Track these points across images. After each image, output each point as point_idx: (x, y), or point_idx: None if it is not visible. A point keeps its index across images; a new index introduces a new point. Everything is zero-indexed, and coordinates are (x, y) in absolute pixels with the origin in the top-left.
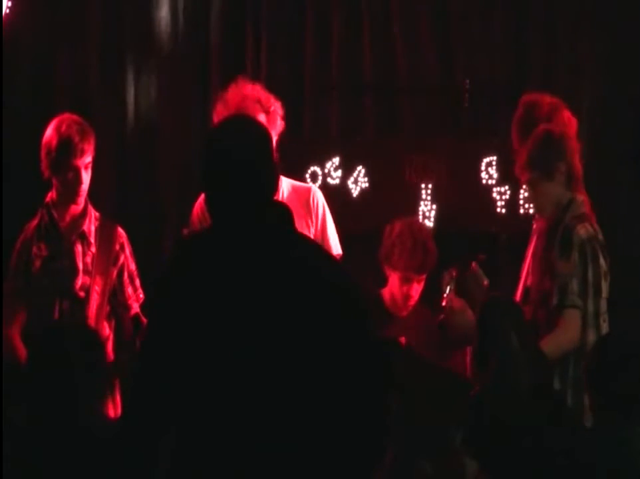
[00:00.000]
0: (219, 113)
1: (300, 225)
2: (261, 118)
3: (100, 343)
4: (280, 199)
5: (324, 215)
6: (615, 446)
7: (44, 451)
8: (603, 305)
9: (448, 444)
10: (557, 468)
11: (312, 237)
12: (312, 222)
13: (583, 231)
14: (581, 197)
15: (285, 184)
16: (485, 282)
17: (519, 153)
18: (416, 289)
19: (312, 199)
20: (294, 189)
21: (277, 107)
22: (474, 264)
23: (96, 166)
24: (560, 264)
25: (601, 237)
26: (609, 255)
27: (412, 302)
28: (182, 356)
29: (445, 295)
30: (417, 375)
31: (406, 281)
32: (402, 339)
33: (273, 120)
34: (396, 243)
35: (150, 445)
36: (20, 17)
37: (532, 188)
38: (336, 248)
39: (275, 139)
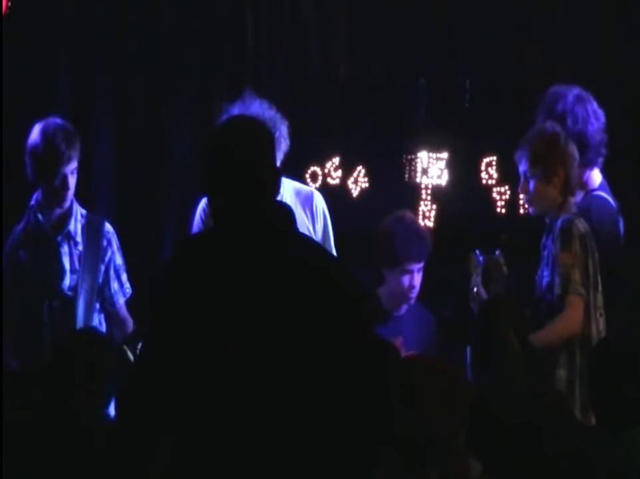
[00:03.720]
0: None
1: (301, 228)
2: None
3: (100, 343)
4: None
5: (325, 219)
6: (615, 446)
7: (45, 452)
8: (600, 298)
9: (451, 445)
10: (557, 468)
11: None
12: (312, 226)
13: (581, 225)
14: (574, 199)
15: (287, 185)
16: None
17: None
18: (418, 279)
19: (314, 203)
20: (296, 191)
21: (282, 129)
22: (497, 253)
23: (96, 167)
24: (562, 255)
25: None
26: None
27: (415, 294)
28: (183, 356)
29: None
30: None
31: (407, 273)
32: (399, 339)
33: (277, 143)
34: (389, 240)
35: (148, 446)
36: (20, 17)
37: (528, 181)
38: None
39: (279, 159)
